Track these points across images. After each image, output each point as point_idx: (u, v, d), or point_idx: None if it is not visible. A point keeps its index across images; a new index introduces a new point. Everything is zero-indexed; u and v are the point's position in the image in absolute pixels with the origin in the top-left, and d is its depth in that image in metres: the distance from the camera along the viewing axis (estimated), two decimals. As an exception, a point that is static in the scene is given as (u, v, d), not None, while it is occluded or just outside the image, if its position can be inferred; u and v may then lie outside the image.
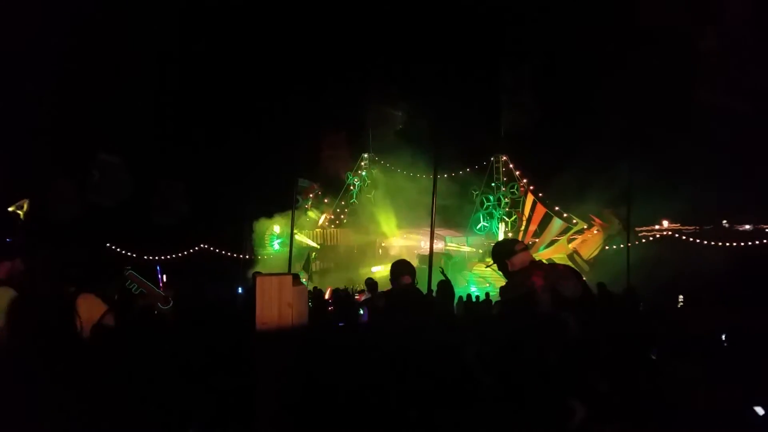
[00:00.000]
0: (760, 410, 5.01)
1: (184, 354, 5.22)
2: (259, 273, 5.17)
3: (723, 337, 7.56)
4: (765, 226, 27.39)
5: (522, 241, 4.59)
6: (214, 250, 31.38)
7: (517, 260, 4.31)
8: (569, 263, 24.23)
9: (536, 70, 28.41)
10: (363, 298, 12.13)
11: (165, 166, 30.18)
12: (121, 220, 28.30)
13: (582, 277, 4.23)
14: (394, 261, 5.49)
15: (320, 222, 32.34)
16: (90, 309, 4.29)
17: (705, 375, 5.72)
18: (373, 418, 4.51)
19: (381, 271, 23.02)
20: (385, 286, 5.77)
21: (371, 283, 11.55)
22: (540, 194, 29.04)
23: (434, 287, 10.48)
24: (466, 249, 29.62)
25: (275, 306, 3.34)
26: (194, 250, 31.32)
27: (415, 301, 5.24)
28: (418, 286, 5.39)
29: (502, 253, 4.40)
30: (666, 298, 15.91)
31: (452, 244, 29.78)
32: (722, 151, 24.94)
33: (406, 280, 5.20)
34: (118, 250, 29.80)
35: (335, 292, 16.30)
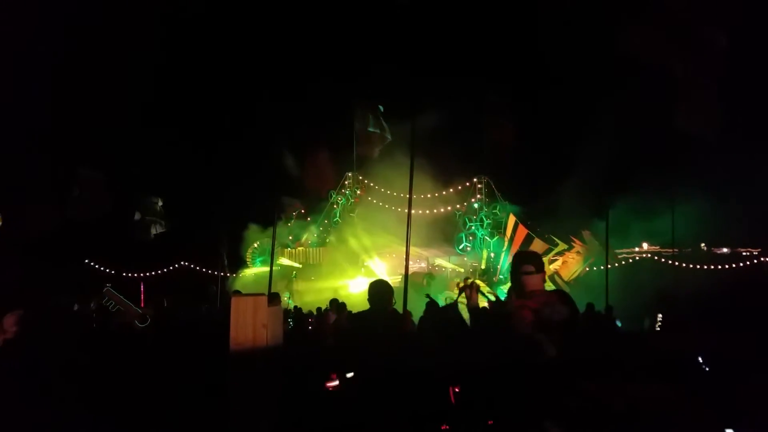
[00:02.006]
0: (731, 433, 5.07)
1: (156, 373, 5.18)
2: (238, 292, 5.14)
3: (700, 359, 7.62)
4: (742, 250, 27.76)
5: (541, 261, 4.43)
6: (195, 267, 31.14)
7: (532, 282, 4.21)
8: (550, 284, 24.38)
9: (519, 92, 28.77)
10: (332, 319, 12.04)
11: (145, 183, 30.00)
12: (99, 236, 28.01)
13: (573, 304, 4.18)
14: (372, 281, 5.46)
15: (302, 240, 32.28)
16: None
17: (679, 396, 5.77)
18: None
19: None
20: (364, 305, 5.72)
21: (337, 304, 11.51)
22: (522, 215, 29.27)
23: (413, 307, 10.42)
24: (449, 266, 29.69)
25: (249, 327, 3.31)
26: (174, 267, 31.05)
27: (387, 323, 5.23)
28: (395, 307, 5.38)
29: (526, 268, 4.28)
30: (645, 319, 16.00)
31: (441, 261, 29.90)
32: (702, 175, 25.29)
33: (385, 300, 5.17)
34: (97, 266, 29.46)
35: (318, 312, 16.21)
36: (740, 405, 5.45)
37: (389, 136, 30.45)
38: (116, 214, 28.49)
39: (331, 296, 19.98)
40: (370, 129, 30.99)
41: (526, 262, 4.29)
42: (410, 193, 7.79)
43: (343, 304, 11.95)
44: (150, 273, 29.89)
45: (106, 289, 11.57)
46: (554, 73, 30.42)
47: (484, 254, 29.63)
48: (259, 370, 3.28)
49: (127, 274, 28.79)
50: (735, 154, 25.06)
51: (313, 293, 27.27)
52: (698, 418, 5.35)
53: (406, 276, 8.04)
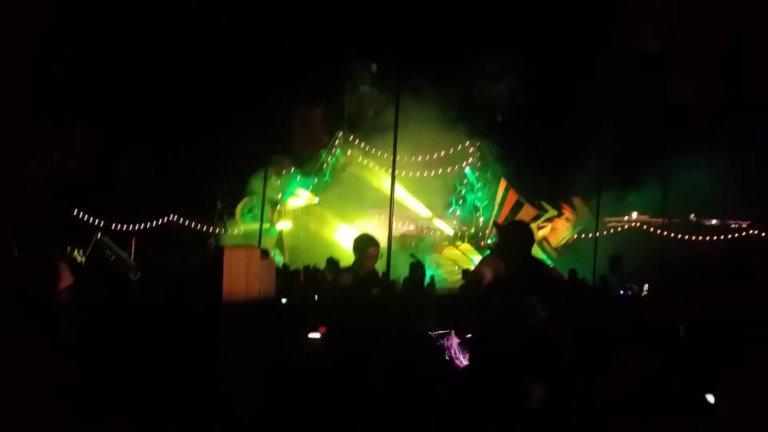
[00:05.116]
0: (711, 398, 5.17)
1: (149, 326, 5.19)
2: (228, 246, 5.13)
3: (682, 328, 7.73)
4: (731, 221, 27.96)
5: None
6: (184, 222, 31.04)
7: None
8: (538, 250, 24.58)
9: (512, 57, 28.50)
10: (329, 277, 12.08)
11: (136, 136, 29.67)
12: (89, 188, 27.84)
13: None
14: (358, 235, 5.43)
15: (291, 199, 32.20)
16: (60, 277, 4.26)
17: (662, 364, 5.87)
18: (335, 395, 4.56)
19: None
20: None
21: (333, 263, 11.48)
22: (512, 180, 29.29)
23: (402, 270, 10.50)
24: (439, 229, 29.80)
25: (242, 279, 3.32)
26: (163, 221, 30.93)
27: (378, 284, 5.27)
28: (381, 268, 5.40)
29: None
30: (631, 287, 16.19)
31: (430, 223, 30.00)
32: (693, 146, 25.33)
33: (372, 252, 5.15)
34: (85, 217, 29.31)
35: (305, 270, 16.24)
36: (721, 373, 5.56)
37: (381, 95, 30.26)
38: (105, 165, 28.33)
39: (320, 254, 20.03)
40: (364, 87, 30.75)
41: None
42: (394, 159, 7.78)
43: (338, 263, 11.97)
44: (139, 226, 29.77)
45: (103, 238, 11.48)
46: (550, 38, 30.11)
47: (474, 218, 29.76)
48: (250, 322, 3.30)
49: (116, 226, 28.66)
50: (728, 126, 25.09)
51: (302, 251, 27.35)
52: (680, 385, 5.46)
53: (389, 244, 8.08)
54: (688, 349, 6.96)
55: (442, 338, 7.30)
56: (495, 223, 5.27)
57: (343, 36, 32.13)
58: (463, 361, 7.19)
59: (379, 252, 5.24)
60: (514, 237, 4.46)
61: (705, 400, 5.21)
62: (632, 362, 6.11)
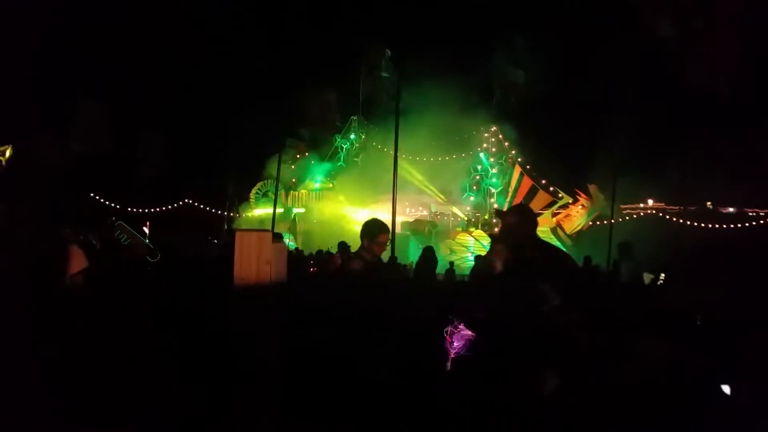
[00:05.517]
0: (726, 389, 5.12)
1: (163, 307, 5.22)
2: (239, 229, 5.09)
3: (699, 316, 7.66)
4: (748, 210, 27.64)
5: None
6: (199, 205, 31.21)
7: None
8: (552, 237, 24.47)
9: (528, 43, 28.26)
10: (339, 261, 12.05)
11: (152, 121, 29.79)
12: (106, 171, 28.04)
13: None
14: (367, 219, 5.35)
15: (305, 183, 32.28)
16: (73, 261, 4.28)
17: (677, 352, 5.81)
18: (346, 377, 4.55)
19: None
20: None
21: (344, 247, 11.50)
22: (527, 166, 29.13)
23: (414, 255, 10.48)
24: (452, 215, 29.73)
25: (253, 263, 3.29)
26: (178, 204, 31.13)
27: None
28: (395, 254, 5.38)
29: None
30: (645, 274, 16.03)
31: (443, 209, 29.95)
32: (709, 134, 25.03)
33: (382, 239, 5.08)
34: (102, 200, 29.55)
35: (318, 254, 16.29)
36: (738, 363, 5.51)
37: (394, 81, 30.17)
38: (122, 150, 28.48)
39: (333, 239, 20.10)
40: (383, 74, 30.64)
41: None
42: (396, 140, 7.73)
43: (349, 247, 11.96)
44: (155, 209, 29.99)
45: (118, 222, 11.52)
46: (566, 23, 29.77)
47: (488, 204, 29.67)
48: (261, 307, 3.27)
49: (132, 209, 28.89)
50: (746, 113, 24.74)
51: (315, 236, 27.41)
52: (695, 375, 5.40)
53: (393, 225, 8.03)
54: (704, 337, 6.90)
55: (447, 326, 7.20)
56: (496, 210, 5.20)
57: (360, 21, 32.03)
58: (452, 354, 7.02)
59: (388, 238, 5.17)
60: (516, 222, 4.41)
61: (721, 390, 5.16)
62: (647, 350, 6.05)
